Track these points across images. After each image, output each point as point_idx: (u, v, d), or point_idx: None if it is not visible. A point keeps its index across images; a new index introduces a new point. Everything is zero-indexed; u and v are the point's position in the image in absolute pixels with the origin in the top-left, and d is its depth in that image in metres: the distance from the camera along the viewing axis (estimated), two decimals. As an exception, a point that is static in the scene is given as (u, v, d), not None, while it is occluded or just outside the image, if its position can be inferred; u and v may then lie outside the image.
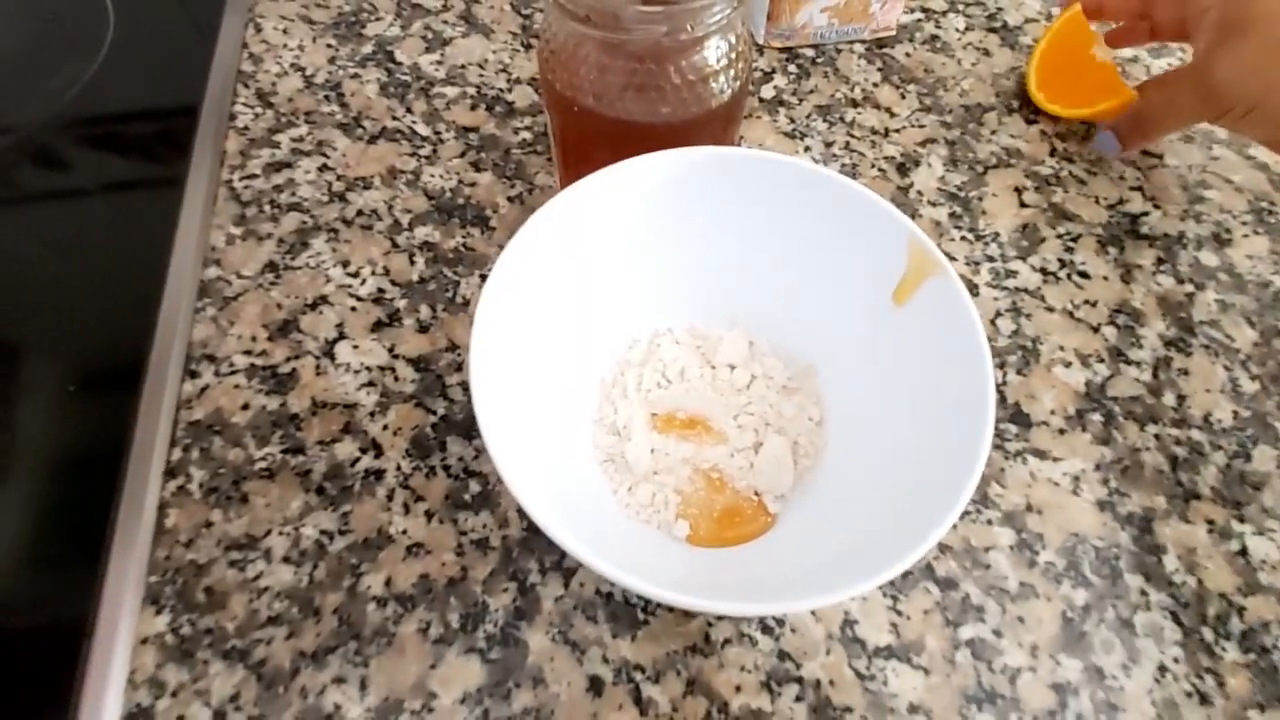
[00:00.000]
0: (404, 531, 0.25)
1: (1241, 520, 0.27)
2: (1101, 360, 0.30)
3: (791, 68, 0.40)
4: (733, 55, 0.24)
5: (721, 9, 0.22)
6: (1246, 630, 0.25)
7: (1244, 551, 0.26)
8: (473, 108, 0.37)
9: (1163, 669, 0.24)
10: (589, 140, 0.27)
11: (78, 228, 0.33)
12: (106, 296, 0.31)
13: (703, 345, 0.28)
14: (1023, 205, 0.35)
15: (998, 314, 0.32)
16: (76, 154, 0.36)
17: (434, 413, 0.28)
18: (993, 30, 0.42)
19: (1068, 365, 0.30)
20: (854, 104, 0.38)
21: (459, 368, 0.29)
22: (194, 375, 0.28)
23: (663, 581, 0.18)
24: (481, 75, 0.39)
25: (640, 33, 0.22)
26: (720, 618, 0.24)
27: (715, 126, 0.26)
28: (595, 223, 0.25)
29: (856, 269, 0.24)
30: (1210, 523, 0.27)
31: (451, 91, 0.38)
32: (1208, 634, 0.25)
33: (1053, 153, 0.37)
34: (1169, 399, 0.29)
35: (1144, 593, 0.25)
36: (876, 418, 0.24)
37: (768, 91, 0.39)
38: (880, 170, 0.36)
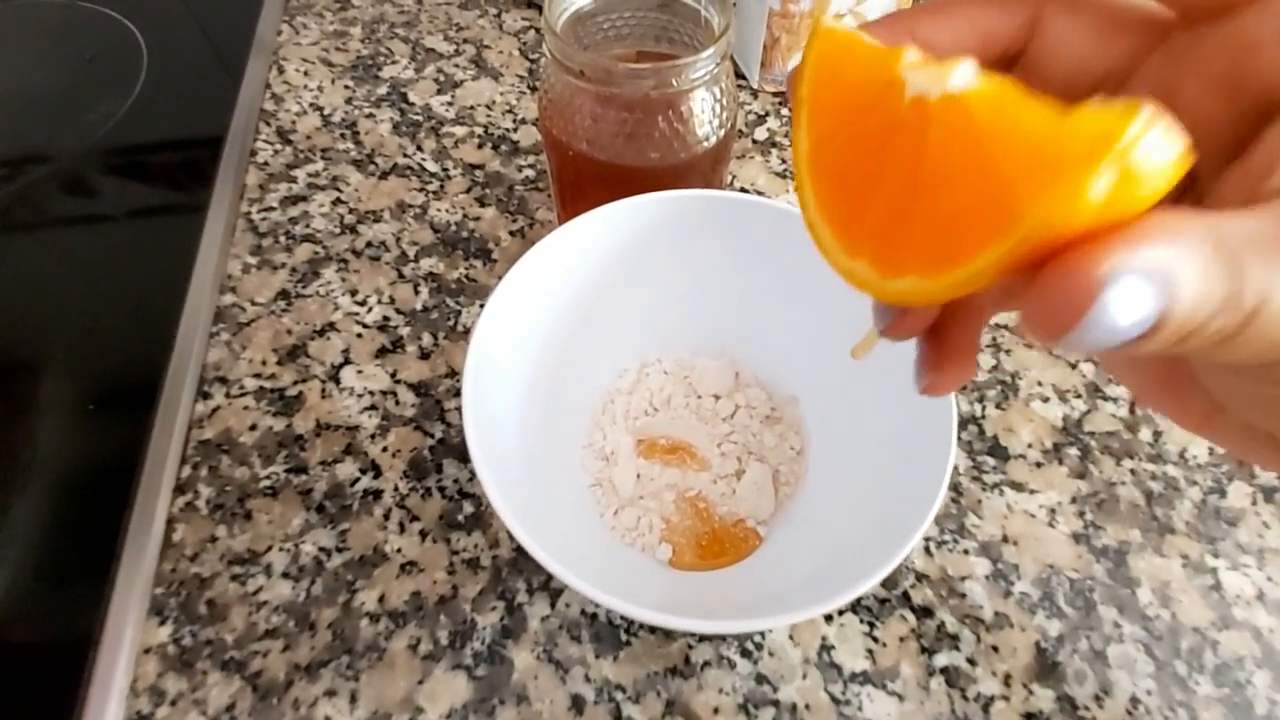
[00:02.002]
0: (399, 550, 0.27)
1: (1216, 555, 0.27)
2: (1079, 396, 0.31)
3: (784, 111, 0.42)
4: (717, 106, 0.26)
5: (704, 66, 0.23)
6: (1220, 665, 0.25)
7: (1218, 586, 0.27)
8: (479, 146, 0.39)
9: (1135, 701, 0.24)
10: (584, 181, 0.28)
11: (106, 253, 0.35)
12: (128, 319, 0.32)
13: (689, 375, 0.29)
14: (1005, 245, 0.36)
15: (979, 349, 0.33)
16: (108, 182, 0.38)
17: (432, 436, 0.29)
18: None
19: (1045, 400, 0.31)
20: (843, 146, 0.40)
21: (457, 393, 0.31)
22: (206, 396, 0.30)
23: (641, 602, 0.19)
24: (489, 116, 0.41)
25: (630, 87, 0.24)
26: (700, 640, 0.25)
27: (703, 168, 0.28)
28: (588, 258, 0.26)
29: (834, 306, 0.26)
30: (1185, 557, 0.27)
31: (460, 131, 0.40)
32: (1181, 667, 0.25)
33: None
34: (1145, 434, 0.30)
35: (1118, 625, 0.26)
36: (854, 449, 0.25)
37: (760, 134, 0.40)
38: (867, 209, 0.37)
